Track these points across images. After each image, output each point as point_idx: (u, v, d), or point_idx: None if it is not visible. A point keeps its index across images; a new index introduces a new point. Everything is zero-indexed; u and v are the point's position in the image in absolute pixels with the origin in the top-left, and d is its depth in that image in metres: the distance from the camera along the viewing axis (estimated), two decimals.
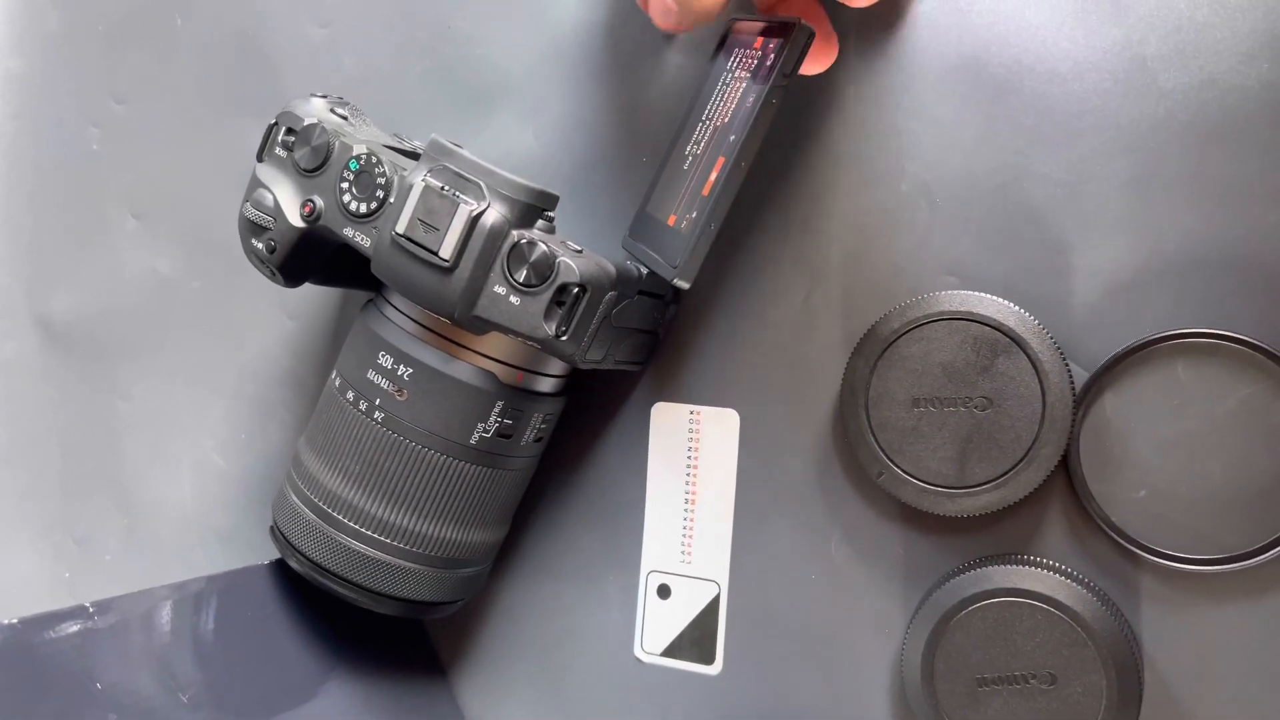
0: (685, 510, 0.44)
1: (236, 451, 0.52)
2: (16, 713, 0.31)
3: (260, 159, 0.40)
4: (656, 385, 0.44)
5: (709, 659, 0.43)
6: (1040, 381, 0.38)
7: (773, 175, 0.42)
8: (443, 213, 0.35)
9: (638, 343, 0.41)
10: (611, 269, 0.37)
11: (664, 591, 0.44)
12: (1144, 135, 0.38)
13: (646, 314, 0.40)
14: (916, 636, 0.39)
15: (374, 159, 0.37)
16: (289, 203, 0.38)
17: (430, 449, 0.37)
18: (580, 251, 0.36)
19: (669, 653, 0.44)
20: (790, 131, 0.42)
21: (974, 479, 0.38)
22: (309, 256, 0.40)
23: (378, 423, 0.38)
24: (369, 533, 0.38)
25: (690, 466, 0.44)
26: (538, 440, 0.41)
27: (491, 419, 0.38)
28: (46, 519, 0.55)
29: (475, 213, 0.35)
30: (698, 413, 0.44)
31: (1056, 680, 0.37)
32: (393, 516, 0.38)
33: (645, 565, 0.44)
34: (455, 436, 0.38)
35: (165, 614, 0.37)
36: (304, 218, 0.38)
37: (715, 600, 0.43)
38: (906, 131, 0.40)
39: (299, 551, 0.39)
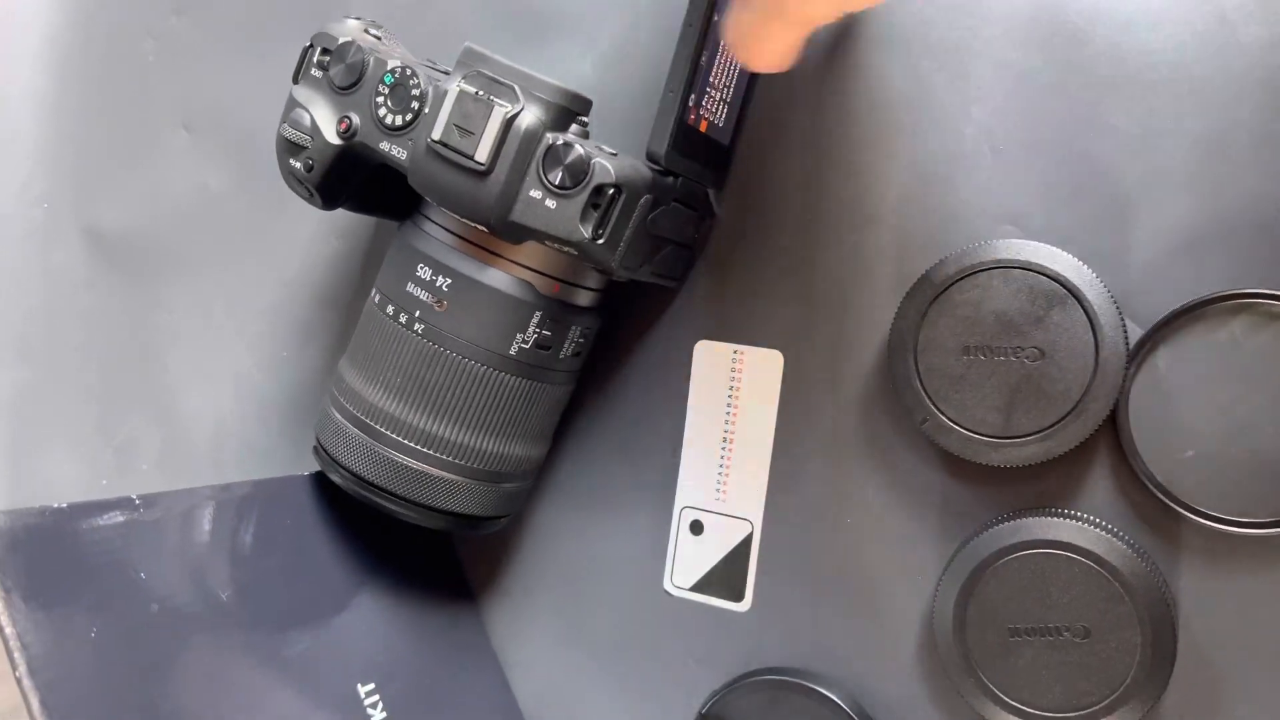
0: (723, 449, 0.44)
1: (276, 369, 0.52)
2: (62, 595, 0.32)
3: (296, 81, 0.40)
4: (700, 324, 0.44)
5: (738, 596, 0.44)
6: (1094, 335, 0.37)
7: (832, 116, 0.42)
8: (477, 116, 0.35)
9: (674, 256, 0.41)
10: (647, 172, 0.37)
11: (696, 528, 0.44)
12: (1218, 91, 0.37)
13: (682, 225, 0.40)
14: (951, 583, 0.39)
15: (409, 71, 0.37)
16: (325, 121, 0.39)
17: (471, 359, 0.38)
18: (615, 154, 0.36)
19: (698, 588, 0.44)
20: (853, 71, 0.41)
21: (1020, 429, 0.38)
22: (346, 176, 0.40)
23: (418, 334, 0.38)
24: (413, 445, 0.38)
25: (730, 406, 0.44)
26: (576, 355, 0.41)
27: (530, 329, 0.38)
28: (85, 428, 0.56)
29: (510, 115, 0.35)
30: (741, 352, 0.44)
31: (1090, 634, 0.37)
32: (436, 428, 0.38)
33: (679, 501, 0.44)
34: (495, 347, 0.38)
35: (208, 514, 0.38)
36: (341, 134, 0.38)
37: (748, 539, 0.43)
38: (974, 76, 0.40)
39: (343, 467, 0.40)
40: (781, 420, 0.43)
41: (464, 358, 0.38)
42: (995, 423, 0.38)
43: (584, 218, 0.35)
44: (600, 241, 0.36)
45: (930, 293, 0.39)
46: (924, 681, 0.41)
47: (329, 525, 0.43)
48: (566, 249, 0.36)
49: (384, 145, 0.37)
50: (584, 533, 0.46)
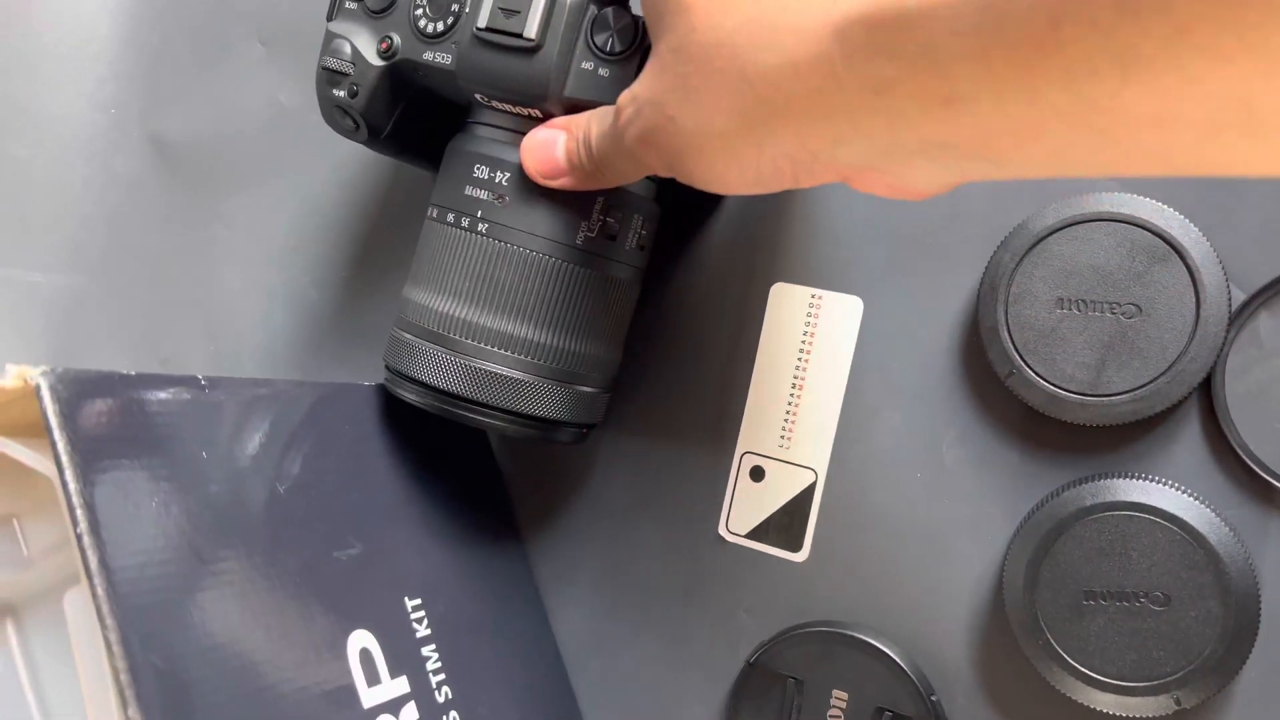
0: (791, 395, 0.43)
1: (333, 288, 0.51)
2: (125, 459, 0.31)
3: (330, 19, 0.40)
4: (778, 266, 0.43)
5: (796, 546, 0.42)
6: (1196, 293, 0.36)
7: None
8: None
9: None
10: None
11: (757, 474, 0.43)
12: None
13: None
14: (1025, 542, 0.37)
15: None
16: (366, 45, 0.39)
17: (537, 252, 0.37)
18: None
19: (755, 535, 0.43)
20: None
21: (1110, 387, 0.37)
22: (391, 104, 0.40)
23: (482, 234, 0.37)
24: (489, 348, 0.37)
25: (804, 351, 0.43)
26: (641, 249, 0.40)
27: (594, 217, 0.37)
28: (134, 335, 0.55)
29: None
30: (819, 296, 0.43)
31: (1170, 602, 0.36)
32: (510, 328, 0.37)
33: (741, 445, 0.43)
34: (560, 237, 0.37)
35: (271, 406, 0.37)
36: (382, 54, 0.38)
37: (810, 488, 0.42)
38: None
39: (419, 383, 0.39)
40: (856, 368, 0.42)
41: (531, 251, 0.37)
42: (1084, 379, 0.37)
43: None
44: None
45: (1027, 242, 0.38)
46: (985, 644, 0.40)
47: (387, 439, 0.42)
48: None
49: (427, 55, 0.37)
50: (639, 472, 0.45)
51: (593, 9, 0.35)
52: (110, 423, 0.31)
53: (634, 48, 0.35)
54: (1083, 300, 0.37)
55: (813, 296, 0.43)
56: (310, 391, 0.39)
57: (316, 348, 0.52)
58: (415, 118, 0.41)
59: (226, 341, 0.53)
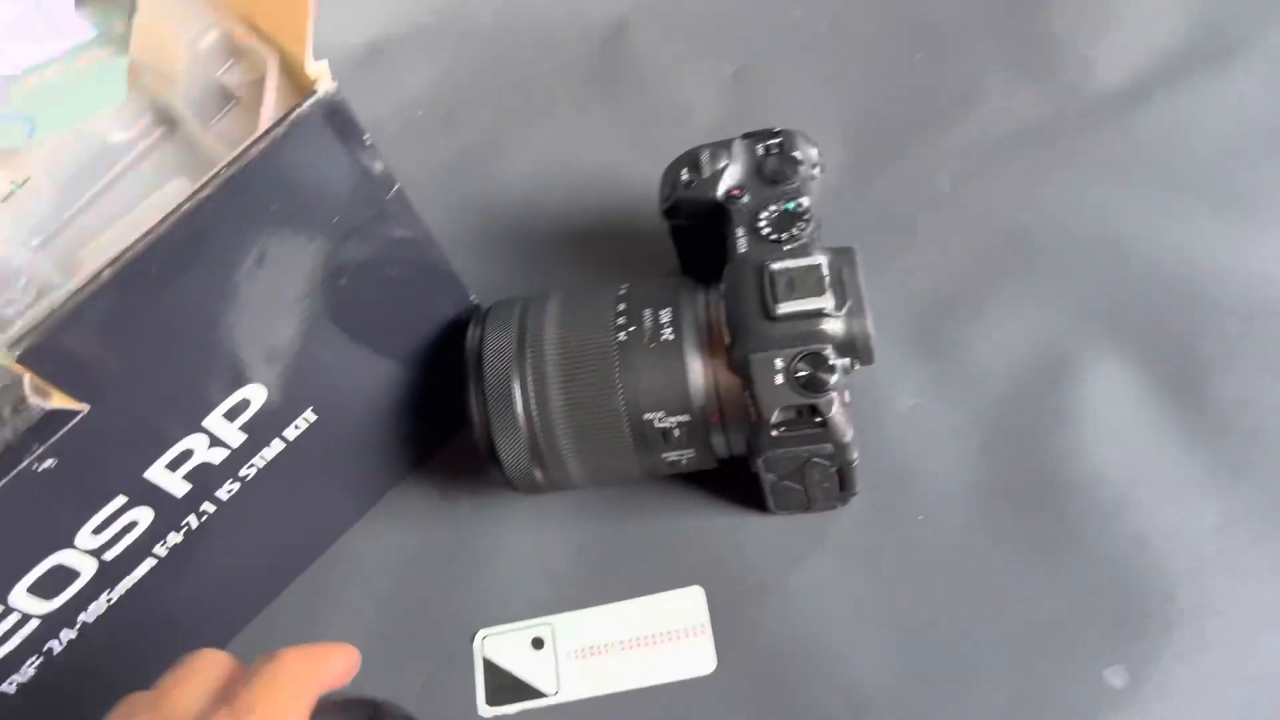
0: None
1: None
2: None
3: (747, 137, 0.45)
4: None
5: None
6: None
7: None
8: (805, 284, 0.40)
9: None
10: None
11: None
12: None
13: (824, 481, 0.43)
14: None
15: (807, 217, 0.41)
16: (729, 177, 0.44)
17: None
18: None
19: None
20: None
21: None
22: (694, 216, 0.45)
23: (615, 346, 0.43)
24: None
25: None
26: None
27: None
28: None
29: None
30: None
31: None
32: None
33: None
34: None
35: None
36: (724, 195, 0.43)
37: None
38: None
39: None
40: None
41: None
42: None
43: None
44: None
45: None
46: None
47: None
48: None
49: (739, 230, 0.42)
50: None
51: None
52: None
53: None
54: None
55: None
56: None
57: None
58: (698, 231, 0.45)
59: None
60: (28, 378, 0.32)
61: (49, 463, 0.34)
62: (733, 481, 0.46)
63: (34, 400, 0.32)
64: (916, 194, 0.52)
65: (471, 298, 0.47)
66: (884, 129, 0.54)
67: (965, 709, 0.41)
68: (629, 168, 0.55)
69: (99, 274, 0.32)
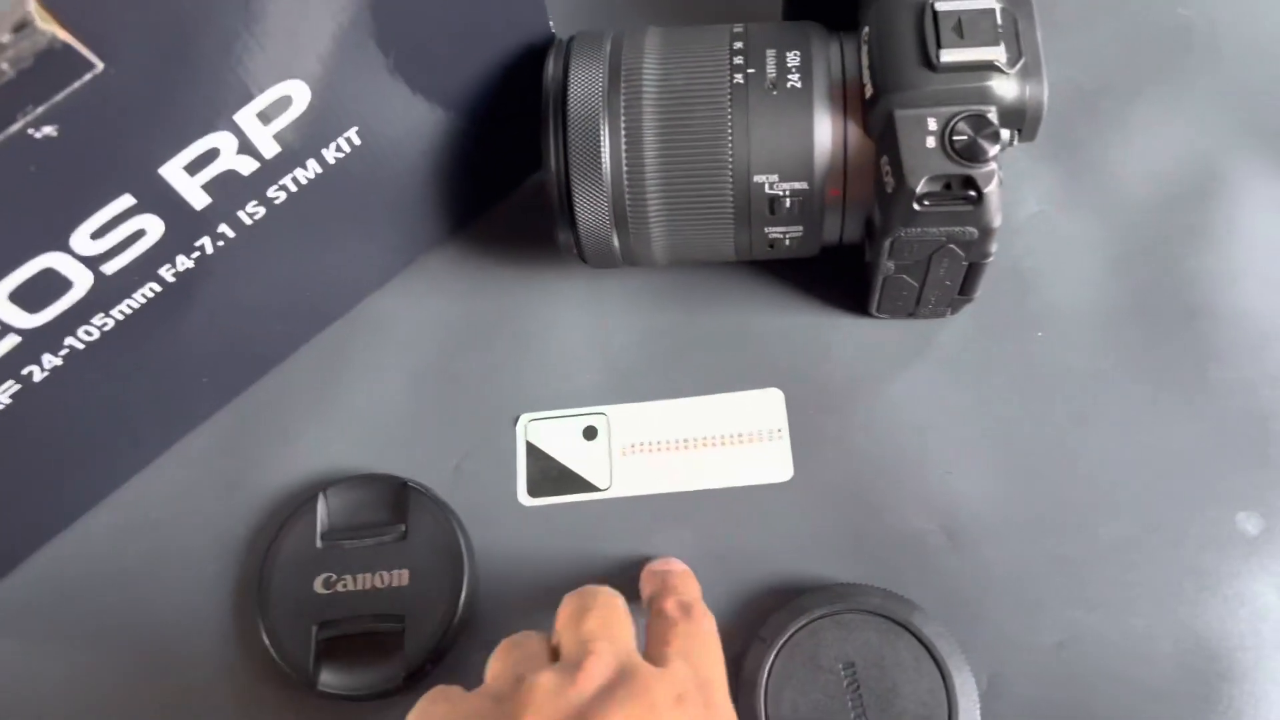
0: None
1: None
2: None
3: None
4: None
5: None
6: None
7: None
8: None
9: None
10: None
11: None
12: None
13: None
14: None
15: None
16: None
17: None
18: None
19: None
20: None
21: None
22: None
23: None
24: None
25: None
26: None
27: None
28: None
29: None
30: None
31: None
32: None
33: None
34: None
35: None
36: None
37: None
38: None
39: None
40: None
41: None
42: None
43: None
44: None
45: None
46: None
47: None
48: None
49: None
50: None
51: None
52: None
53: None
54: None
55: None
56: None
57: None
58: None
59: None
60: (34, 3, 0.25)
61: (49, 129, 0.27)
62: (829, 276, 0.41)
63: (43, 26, 0.24)
64: None
65: (550, 25, 0.40)
66: None
67: (1080, 544, 0.37)
68: None
69: None
